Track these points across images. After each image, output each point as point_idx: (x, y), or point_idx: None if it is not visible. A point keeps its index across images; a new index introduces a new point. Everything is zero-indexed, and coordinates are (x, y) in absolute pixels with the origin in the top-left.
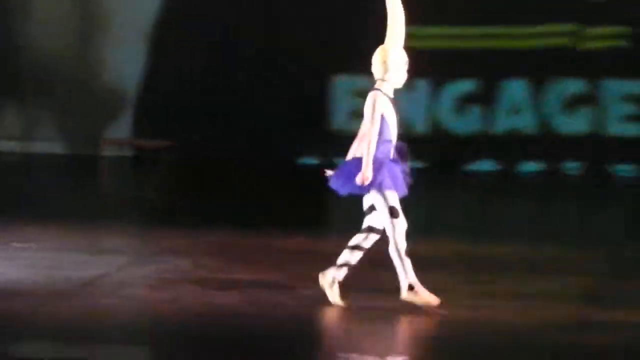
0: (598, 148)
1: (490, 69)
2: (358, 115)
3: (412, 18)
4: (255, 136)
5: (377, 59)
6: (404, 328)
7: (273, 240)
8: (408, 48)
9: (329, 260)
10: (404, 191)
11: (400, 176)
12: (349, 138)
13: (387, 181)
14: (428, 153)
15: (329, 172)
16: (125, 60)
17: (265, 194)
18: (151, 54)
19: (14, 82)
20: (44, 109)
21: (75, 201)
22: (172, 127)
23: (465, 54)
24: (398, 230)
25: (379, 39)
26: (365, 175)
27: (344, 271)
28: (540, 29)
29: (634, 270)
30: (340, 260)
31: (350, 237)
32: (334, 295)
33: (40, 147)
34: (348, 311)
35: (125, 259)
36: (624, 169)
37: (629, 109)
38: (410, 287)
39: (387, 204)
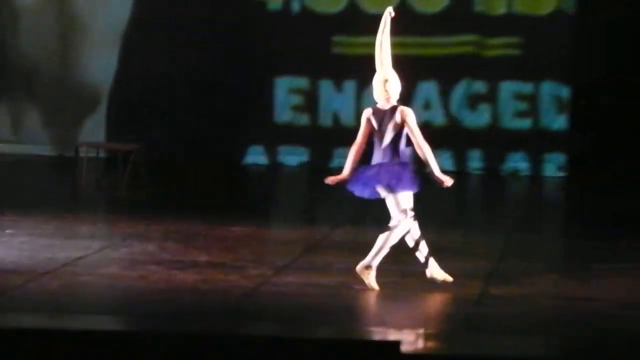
0: (495, 138)
1: (408, 72)
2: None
3: (350, 30)
4: (207, 135)
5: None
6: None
7: (224, 228)
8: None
9: (273, 245)
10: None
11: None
12: (289, 129)
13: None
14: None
15: (331, 180)
16: (100, 64)
17: (218, 189)
18: (121, 57)
19: (1, 85)
20: (25, 111)
21: (53, 196)
22: (138, 129)
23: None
24: (400, 228)
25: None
26: (445, 179)
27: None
28: (449, 39)
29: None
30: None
31: (285, 224)
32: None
33: (21, 148)
34: (299, 288)
35: (100, 243)
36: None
37: (521, 106)
38: (367, 267)
39: (402, 205)
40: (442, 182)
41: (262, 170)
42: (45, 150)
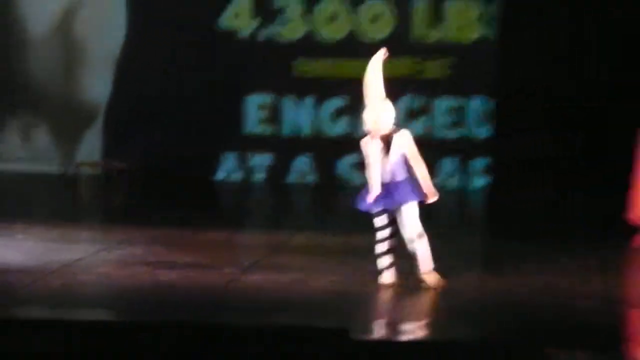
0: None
1: (360, 91)
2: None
3: (308, 54)
4: (187, 147)
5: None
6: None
7: (203, 234)
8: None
9: (247, 248)
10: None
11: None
12: (257, 138)
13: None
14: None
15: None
16: (97, 85)
17: (195, 201)
18: (115, 79)
19: (9, 106)
20: (32, 131)
21: (57, 208)
22: (128, 147)
23: (340, 80)
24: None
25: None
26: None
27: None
28: (393, 62)
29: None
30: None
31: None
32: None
33: (30, 165)
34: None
35: (96, 247)
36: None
37: (452, 118)
38: (429, 272)
39: (414, 214)
40: (427, 197)
41: (234, 183)
42: (50, 167)
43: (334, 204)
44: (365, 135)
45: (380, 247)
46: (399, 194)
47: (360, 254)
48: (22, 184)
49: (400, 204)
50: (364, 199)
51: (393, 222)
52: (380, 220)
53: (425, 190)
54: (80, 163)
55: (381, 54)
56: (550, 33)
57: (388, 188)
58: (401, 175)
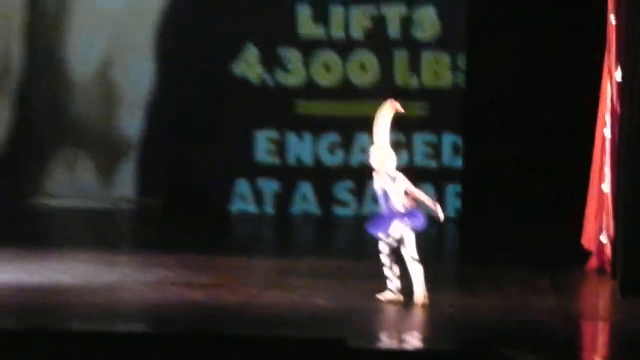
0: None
1: (351, 127)
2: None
3: (308, 96)
4: (203, 178)
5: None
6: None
7: (222, 259)
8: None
9: (260, 271)
10: None
11: None
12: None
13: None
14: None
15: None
16: (131, 124)
17: (215, 229)
18: (146, 118)
19: (56, 145)
20: (76, 169)
21: (97, 238)
22: (158, 181)
23: (335, 118)
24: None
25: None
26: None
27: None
28: (379, 103)
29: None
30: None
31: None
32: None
33: (76, 202)
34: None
35: (132, 271)
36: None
37: (429, 150)
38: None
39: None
40: (436, 214)
41: (247, 212)
42: (94, 203)
43: (333, 233)
44: (366, 166)
45: (385, 269)
46: (407, 221)
47: (356, 275)
48: (68, 218)
49: (406, 230)
50: (375, 225)
51: (394, 246)
52: (385, 244)
53: (435, 212)
54: (118, 198)
55: (394, 105)
56: (512, 80)
57: (396, 216)
58: (406, 206)
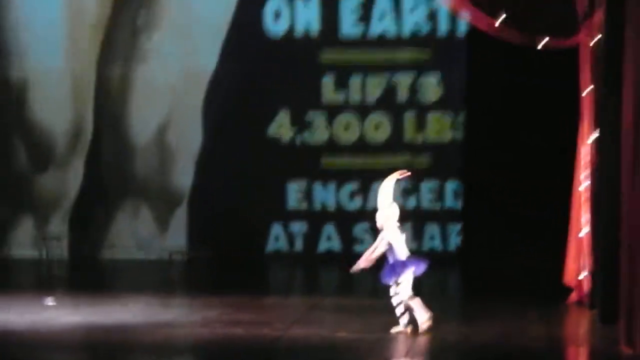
0: (419, 216)
1: (365, 178)
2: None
3: (332, 153)
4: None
5: None
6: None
7: (258, 298)
8: None
9: (290, 308)
10: None
11: None
12: (296, 212)
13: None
14: None
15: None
16: (183, 181)
17: (251, 272)
18: (196, 175)
19: (119, 197)
20: (137, 223)
21: (154, 285)
22: (207, 229)
23: (354, 170)
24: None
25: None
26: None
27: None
28: (391, 156)
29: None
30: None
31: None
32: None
33: (137, 253)
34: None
35: (184, 311)
36: None
37: (433, 195)
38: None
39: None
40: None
41: (280, 252)
42: (150, 253)
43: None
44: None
45: (398, 307)
46: (411, 267)
47: (374, 310)
48: (129, 267)
49: (408, 273)
50: (387, 275)
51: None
52: (394, 287)
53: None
54: (172, 252)
55: (401, 174)
56: (503, 136)
57: (402, 264)
58: (406, 254)
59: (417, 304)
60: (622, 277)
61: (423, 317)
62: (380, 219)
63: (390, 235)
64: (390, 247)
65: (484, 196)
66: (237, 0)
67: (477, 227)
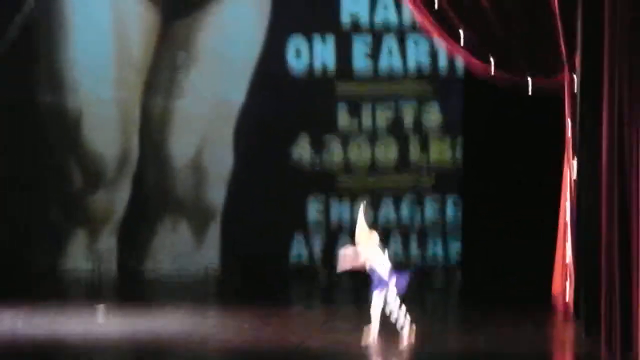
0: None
1: (376, 197)
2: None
3: (345, 175)
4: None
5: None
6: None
7: (282, 309)
8: None
9: (311, 317)
10: None
11: None
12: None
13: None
14: None
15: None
16: (215, 196)
17: (275, 283)
18: (228, 193)
19: (160, 214)
20: (175, 242)
21: (192, 298)
22: (235, 248)
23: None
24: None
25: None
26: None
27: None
28: (399, 177)
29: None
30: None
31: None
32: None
33: (166, 267)
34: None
35: (215, 321)
36: None
37: (436, 210)
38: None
39: None
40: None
41: (301, 263)
42: (187, 267)
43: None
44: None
45: (392, 318)
46: (393, 283)
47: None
48: (167, 280)
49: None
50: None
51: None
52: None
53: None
54: (206, 264)
55: (364, 208)
56: (498, 157)
57: (384, 282)
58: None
59: (377, 319)
60: (603, 289)
61: (371, 333)
62: (363, 253)
63: (372, 260)
64: (372, 270)
65: (481, 210)
66: (262, 40)
67: (476, 239)
